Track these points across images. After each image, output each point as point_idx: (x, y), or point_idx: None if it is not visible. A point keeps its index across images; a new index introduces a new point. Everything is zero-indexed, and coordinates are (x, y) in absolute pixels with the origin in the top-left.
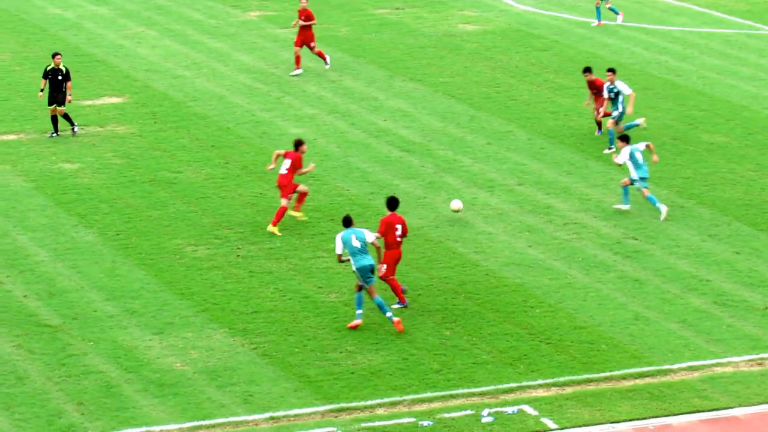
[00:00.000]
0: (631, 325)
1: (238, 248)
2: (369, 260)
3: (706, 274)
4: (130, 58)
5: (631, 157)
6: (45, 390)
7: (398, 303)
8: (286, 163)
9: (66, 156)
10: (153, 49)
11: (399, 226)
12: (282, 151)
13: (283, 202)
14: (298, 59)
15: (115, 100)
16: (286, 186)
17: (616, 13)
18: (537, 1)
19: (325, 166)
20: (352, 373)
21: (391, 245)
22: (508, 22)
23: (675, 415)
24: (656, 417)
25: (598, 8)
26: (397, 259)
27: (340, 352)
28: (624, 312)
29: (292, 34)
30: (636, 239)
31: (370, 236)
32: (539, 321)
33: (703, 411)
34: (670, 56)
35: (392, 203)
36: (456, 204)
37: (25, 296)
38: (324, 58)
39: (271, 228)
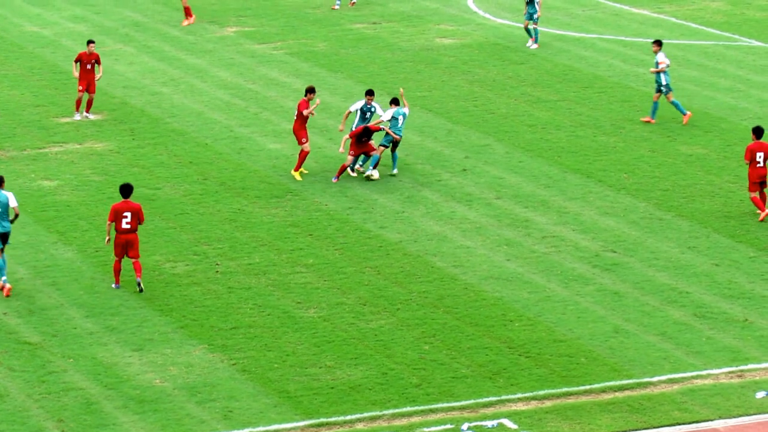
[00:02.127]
0: (611, 338)
1: (217, 264)
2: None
3: (685, 287)
4: (107, 75)
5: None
6: (25, 407)
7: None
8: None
9: (45, 173)
10: (130, 66)
11: (128, 214)
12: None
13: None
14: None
15: (93, 117)
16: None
17: (531, 36)
18: (514, 14)
19: (303, 181)
20: (332, 388)
21: (119, 231)
22: (485, 36)
23: (655, 427)
24: (636, 430)
25: (530, 29)
26: (124, 244)
27: (320, 367)
28: (603, 325)
29: (270, 49)
30: (614, 252)
31: (13, 201)
32: (518, 335)
33: (684, 423)
34: (647, 68)
35: (124, 190)
36: None
37: (5, 313)
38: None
39: (293, 173)
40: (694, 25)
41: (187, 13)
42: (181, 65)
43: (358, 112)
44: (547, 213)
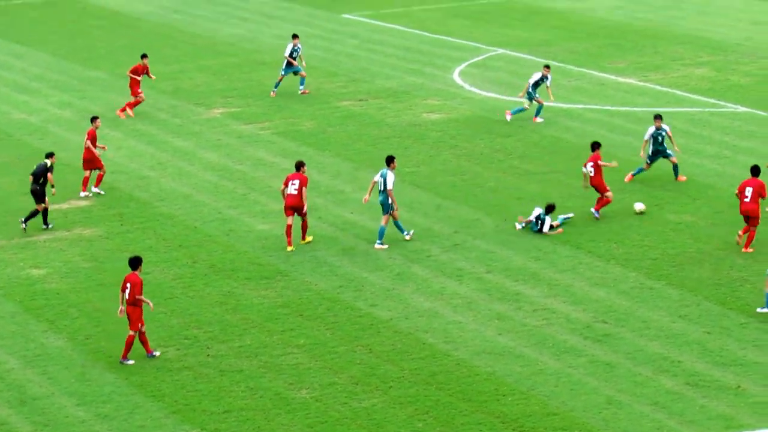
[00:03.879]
0: (604, 409)
1: (208, 347)
2: None
3: (677, 355)
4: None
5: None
6: None
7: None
8: (296, 184)
9: (33, 261)
10: (118, 151)
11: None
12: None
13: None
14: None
15: (81, 203)
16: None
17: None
18: (500, 87)
19: (293, 261)
20: None
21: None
22: (471, 110)
23: None
24: None
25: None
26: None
27: None
28: (596, 396)
29: (257, 129)
30: (606, 323)
31: None
32: (512, 409)
33: None
34: (634, 137)
35: (133, 263)
36: (639, 206)
37: None
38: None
39: (302, 242)
40: (679, 93)
41: (131, 105)
42: (168, 148)
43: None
44: (538, 285)
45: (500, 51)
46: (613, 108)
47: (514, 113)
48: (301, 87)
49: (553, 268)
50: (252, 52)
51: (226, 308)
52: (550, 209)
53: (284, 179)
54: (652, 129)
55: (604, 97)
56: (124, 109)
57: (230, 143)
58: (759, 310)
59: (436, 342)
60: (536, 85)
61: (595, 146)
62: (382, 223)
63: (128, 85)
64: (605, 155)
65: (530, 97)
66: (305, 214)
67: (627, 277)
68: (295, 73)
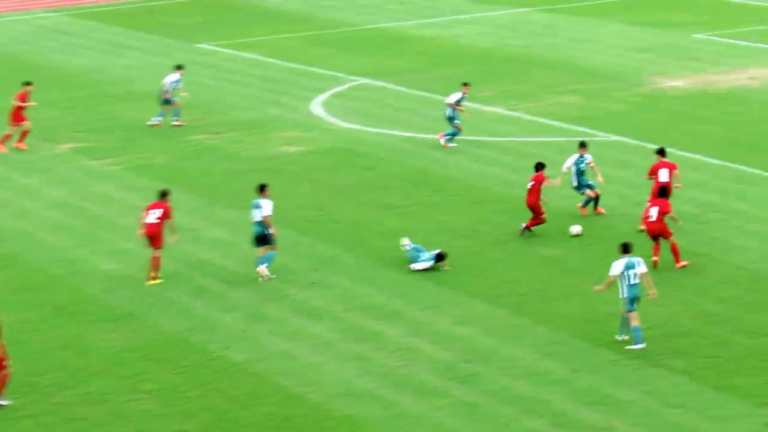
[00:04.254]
0: None
1: (52, 395)
2: None
3: (544, 395)
4: None
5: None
6: None
7: None
8: (156, 213)
9: None
10: None
11: None
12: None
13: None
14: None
15: None
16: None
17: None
18: (362, 117)
19: (142, 302)
20: None
21: None
22: (332, 141)
23: None
24: None
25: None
26: None
27: None
28: None
29: (106, 165)
30: (469, 362)
31: None
32: None
33: None
34: (502, 168)
35: None
36: (575, 229)
37: None
38: None
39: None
40: (549, 122)
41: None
42: (10, 186)
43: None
44: (400, 324)
45: (363, 80)
46: (480, 138)
47: (447, 135)
48: (176, 119)
49: (416, 306)
50: (103, 83)
51: (72, 352)
52: (440, 258)
53: (146, 207)
54: (575, 157)
55: (471, 127)
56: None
57: (78, 179)
58: (628, 347)
59: (292, 385)
60: (458, 103)
61: (540, 167)
62: (271, 251)
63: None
64: (472, 187)
65: (452, 119)
66: (160, 248)
67: (493, 314)
68: (169, 103)
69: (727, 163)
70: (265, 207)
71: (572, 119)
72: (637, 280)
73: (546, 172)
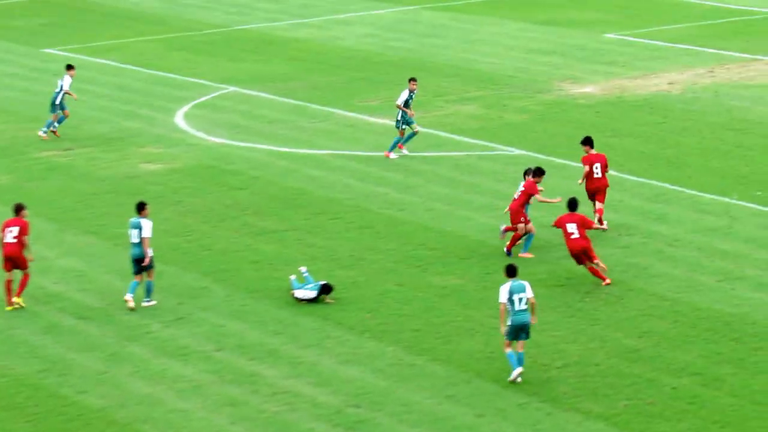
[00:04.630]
0: None
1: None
2: None
3: None
4: None
5: None
6: None
7: None
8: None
9: None
10: None
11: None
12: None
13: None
14: None
15: None
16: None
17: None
18: (231, 130)
19: None
20: None
21: None
22: (198, 158)
23: None
24: None
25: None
26: None
27: None
28: None
29: None
30: (359, 407)
31: None
32: None
33: None
34: (390, 187)
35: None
36: None
37: None
38: None
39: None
40: (443, 134)
41: None
42: None
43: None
44: (278, 364)
45: (230, 89)
46: (366, 153)
47: (405, 143)
48: (56, 125)
49: (296, 344)
50: None
51: None
52: (325, 290)
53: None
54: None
55: (354, 141)
56: None
57: None
58: (513, 378)
59: None
60: (406, 104)
61: (537, 172)
62: (149, 278)
63: None
64: (355, 209)
65: (407, 122)
66: (27, 267)
67: (383, 352)
68: (62, 108)
69: (644, 180)
70: (145, 227)
71: (468, 131)
72: (524, 306)
73: (540, 183)
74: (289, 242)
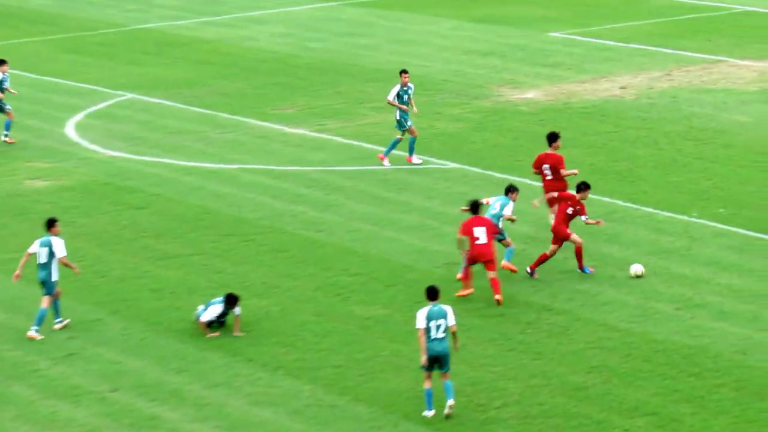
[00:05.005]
0: None
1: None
2: None
3: None
4: None
5: None
6: None
7: None
8: None
9: None
10: None
11: None
12: None
13: None
14: None
15: None
16: None
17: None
18: (128, 143)
19: None
20: None
21: None
22: (91, 174)
23: None
24: None
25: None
26: None
27: None
28: None
29: None
30: None
31: None
32: None
33: None
34: (308, 205)
35: None
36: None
37: None
38: None
39: None
40: (367, 146)
41: None
42: None
43: None
44: (181, 406)
45: (129, 95)
46: (280, 168)
47: (387, 154)
48: (6, 133)
49: (202, 383)
50: None
51: None
52: (232, 301)
53: None
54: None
55: (267, 154)
56: None
57: None
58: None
59: None
60: (401, 101)
61: (582, 187)
62: (44, 305)
63: None
64: (268, 230)
65: (402, 127)
66: None
67: (300, 391)
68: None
69: (595, 196)
70: (56, 246)
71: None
72: (442, 334)
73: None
74: (195, 268)
